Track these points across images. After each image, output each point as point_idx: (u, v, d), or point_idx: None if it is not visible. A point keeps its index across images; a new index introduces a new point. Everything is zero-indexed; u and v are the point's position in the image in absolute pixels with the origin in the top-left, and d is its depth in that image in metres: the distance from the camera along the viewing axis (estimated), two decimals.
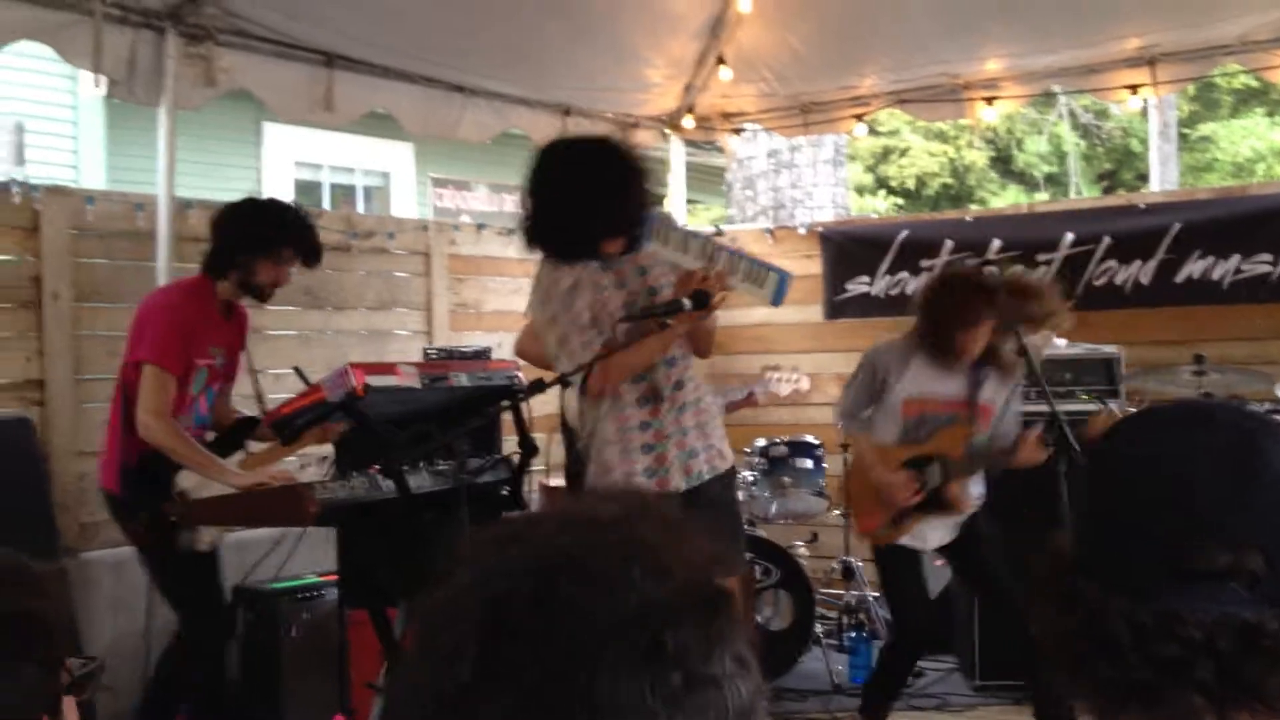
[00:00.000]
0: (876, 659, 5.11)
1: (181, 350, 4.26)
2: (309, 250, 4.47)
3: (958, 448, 4.53)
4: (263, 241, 4.37)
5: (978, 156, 20.44)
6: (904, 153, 20.13)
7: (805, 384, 6.04)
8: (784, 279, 3.59)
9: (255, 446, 4.49)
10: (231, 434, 4.52)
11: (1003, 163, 21.36)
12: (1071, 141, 19.82)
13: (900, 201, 20.03)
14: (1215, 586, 1.12)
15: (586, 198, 3.73)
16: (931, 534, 4.65)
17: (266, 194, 11.83)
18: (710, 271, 3.66)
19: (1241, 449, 1.16)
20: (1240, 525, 1.13)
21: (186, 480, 4.18)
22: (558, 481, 6.05)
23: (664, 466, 3.86)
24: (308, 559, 4.60)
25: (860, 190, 19.72)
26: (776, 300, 3.68)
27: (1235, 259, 6.28)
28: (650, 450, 3.86)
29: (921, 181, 19.89)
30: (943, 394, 4.56)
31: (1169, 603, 1.13)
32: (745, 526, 5.96)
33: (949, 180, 20.16)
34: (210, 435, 4.49)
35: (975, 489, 4.68)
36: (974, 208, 16.80)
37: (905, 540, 4.62)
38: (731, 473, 4.06)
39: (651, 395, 3.85)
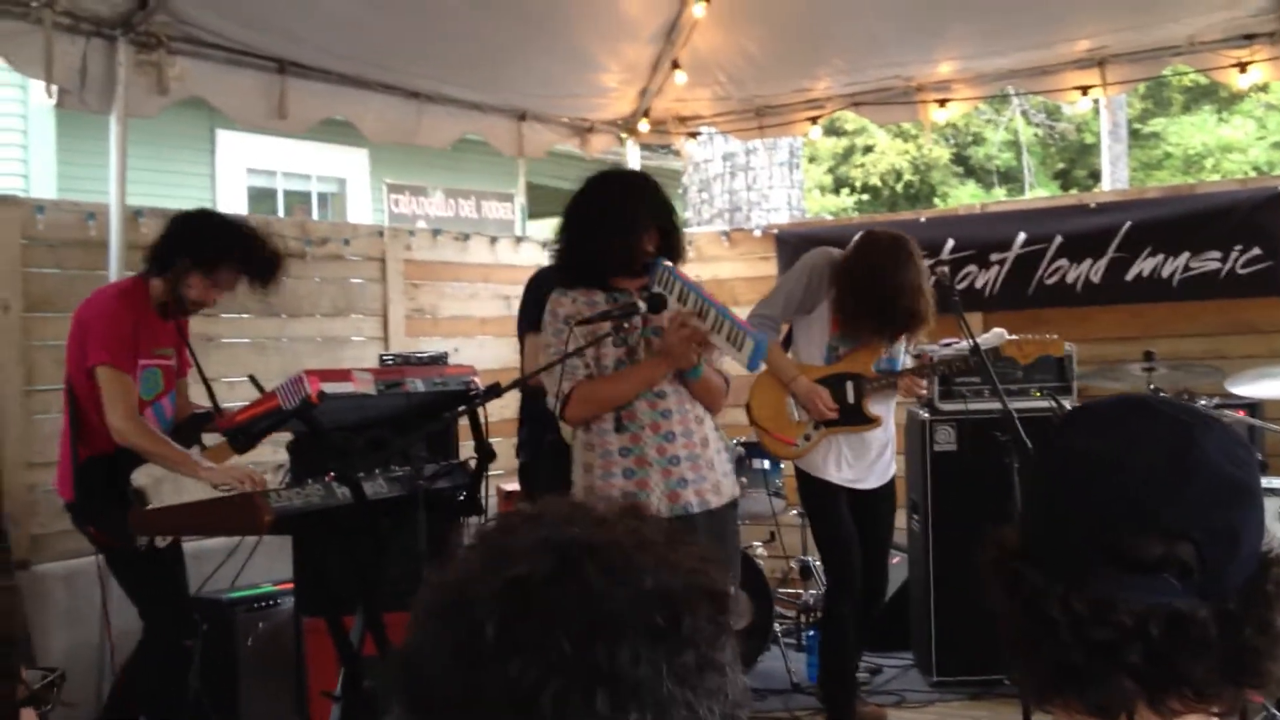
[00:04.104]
0: (821, 643, 5.13)
1: (130, 350, 4.24)
2: (255, 271, 4.43)
3: (869, 366, 4.88)
4: (201, 255, 4.35)
5: (941, 153, 20.59)
6: (868, 150, 20.24)
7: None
8: (760, 344, 3.74)
9: (209, 441, 4.49)
10: (185, 429, 4.49)
11: (962, 160, 21.53)
12: (1027, 137, 19.99)
13: (864, 198, 20.14)
14: (1149, 576, 1.16)
15: (600, 232, 3.92)
16: (854, 472, 4.91)
17: (221, 202, 11.81)
18: (690, 321, 3.77)
19: (1178, 443, 1.20)
20: (1174, 517, 1.16)
21: (142, 478, 4.16)
22: (515, 486, 6.04)
23: (645, 490, 3.87)
24: (263, 568, 4.58)
25: (822, 189, 19.82)
26: (753, 365, 3.84)
27: (1185, 257, 6.35)
28: (632, 475, 3.89)
29: (885, 180, 20.02)
30: None
31: (1104, 590, 1.16)
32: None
33: (912, 178, 20.30)
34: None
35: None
36: (933, 208, 16.91)
37: (830, 476, 4.87)
38: (730, 508, 4.06)
39: (629, 422, 3.89)
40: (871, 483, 4.94)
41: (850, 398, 4.85)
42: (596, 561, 0.92)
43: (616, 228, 3.91)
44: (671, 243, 4.02)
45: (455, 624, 0.91)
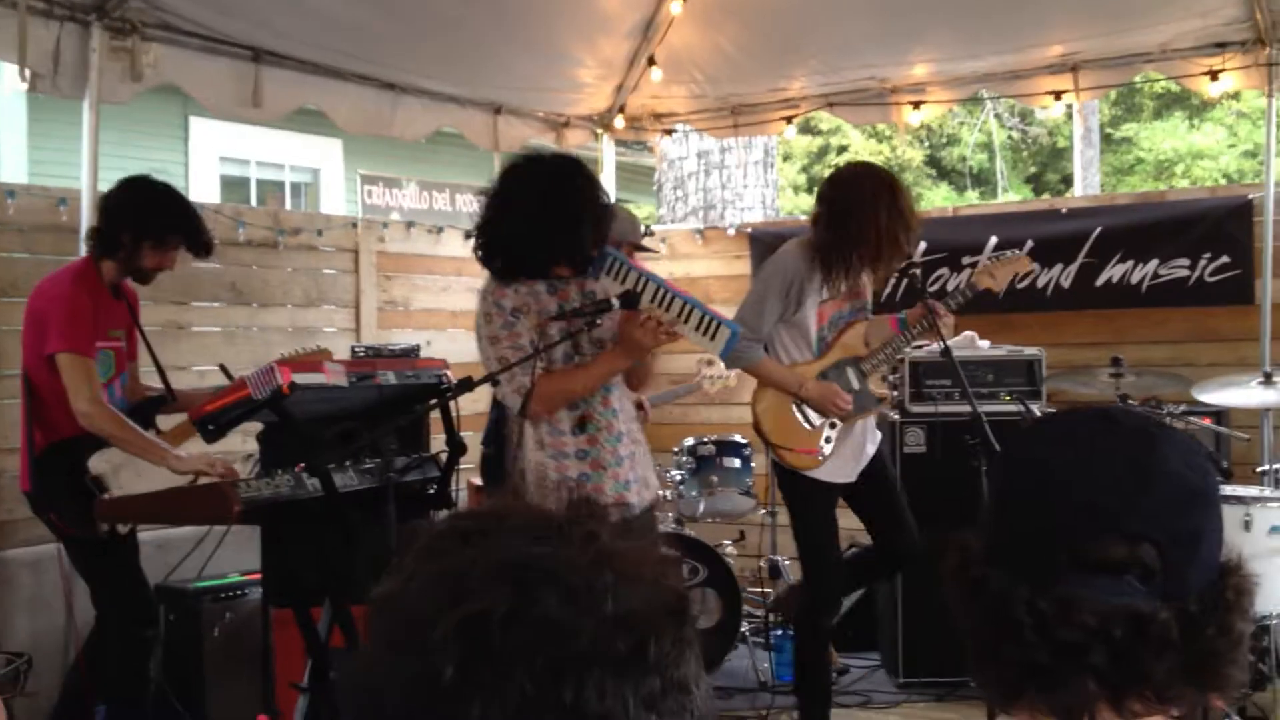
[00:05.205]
0: (797, 650, 4.88)
1: (89, 333, 4.21)
2: (197, 244, 4.44)
3: (860, 345, 4.66)
4: (150, 228, 4.33)
5: (914, 154, 20.64)
6: (842, 150, 20.28)
7: (733, 381, 6.11)
8: (735, 333, 3.63)
9: (165, 424, 4.47)
10: (139, 413, 4.47)
11: (935, 162, 21.59)
12: (1000, 140, 20.07)
13: None
14: (1112, 577, 1.18)
15: (546, 224, 3.70)
16: (849, 466, 4.64)
17: (194, 190, 11.74)
18: (655, 315, 3.63)
19: (1140, 449, 1.23)
20: (1136, 520, 1.19)
21: (100, 464, 4.13)
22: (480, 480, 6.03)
23: (600, 495, 3.82)
24: (231, 558, 4.56)
25: (795, 188, 19.85)
26: (725, 353, 3.72)
27: (1154, 263, 6.41)
28: (587, 480, 3.80)
29: None
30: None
31: (1068, 591, 1.18)
32: (673, 526, 6.00)
33: None
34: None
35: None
36: None
37: (823, 475, 4.59)
38: (653, 505, 4.04)
39: (588, 422, 3.81)
40: (852, 473, 4.67)
41: (856, 383, 4.61)
42: (556, 589, 0.88)
43: (561, 217, 3.72)
44: (601, 231, 3.84)
45: (412, 662, 0.88)
